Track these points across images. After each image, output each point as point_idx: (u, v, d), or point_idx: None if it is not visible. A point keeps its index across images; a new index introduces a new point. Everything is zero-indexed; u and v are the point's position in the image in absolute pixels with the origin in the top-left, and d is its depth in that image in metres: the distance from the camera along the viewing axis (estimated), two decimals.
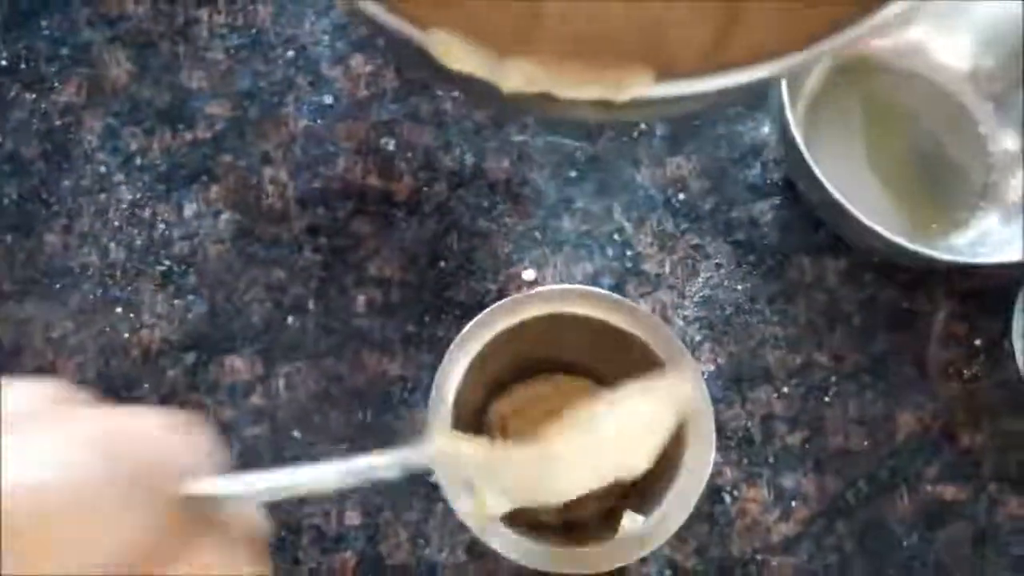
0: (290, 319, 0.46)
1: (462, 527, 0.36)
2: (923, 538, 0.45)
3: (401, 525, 0.44)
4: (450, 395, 0.37)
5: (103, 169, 0.48)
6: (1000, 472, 0.46)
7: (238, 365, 0.46)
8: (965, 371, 0.47)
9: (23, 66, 0.49)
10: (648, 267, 0.48)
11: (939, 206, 0.50)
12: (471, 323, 0.38)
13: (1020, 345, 0.45)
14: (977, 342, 0.48)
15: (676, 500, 0.36)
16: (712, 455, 0.37)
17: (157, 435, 0.20)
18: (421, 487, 0.44)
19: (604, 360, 0.42)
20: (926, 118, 0.51)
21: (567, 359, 0.43)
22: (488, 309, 0.38)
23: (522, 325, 0.39)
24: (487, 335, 0.38)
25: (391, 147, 0.49)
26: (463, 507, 0.35)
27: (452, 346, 0.38)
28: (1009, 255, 0.44)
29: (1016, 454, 0.46)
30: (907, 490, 0.46)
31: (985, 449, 0.46)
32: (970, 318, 0.48)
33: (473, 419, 0.42)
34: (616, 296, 0.38)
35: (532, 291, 0.39)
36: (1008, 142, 0.50)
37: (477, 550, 0.43)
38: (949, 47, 0.51)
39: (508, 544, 0.35)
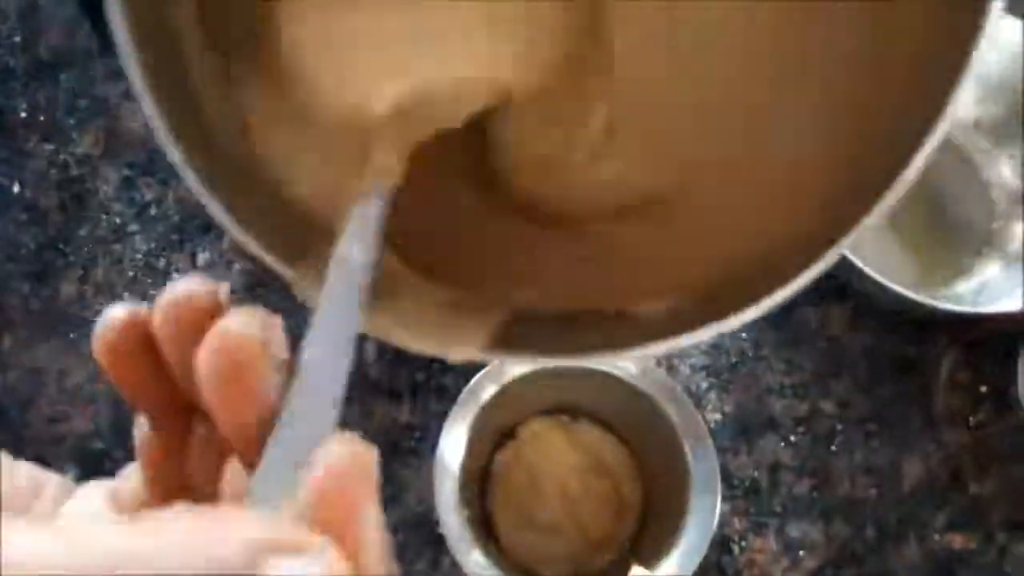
0: None
1: None
2: None
3: None
4: (455, 452, 0.38)
5: (118, 220, 0.49)
6: (1009, 520, 0.46)
7: None
8: (971, 418, 0.48)
9: (42, 117, 0.50)
10: None
11: (944, 252, 0.50)
12: (479, 374, 0.39)
13: None
14: (983, 389, 0.48)
15: (683, 554, 0.36)
16: (718, 508, 0.37)
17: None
18: (429, 539, 0.44)
19: (613, 410, 0.42)
20: (930, 165, 0.51)
21: (576, 407, 0.44)
22: (496, 360, 0.39)
23: (528, 376, 0.39)
24: (494, 387, 0.38)
25: None
26: (471, 560, 0.35)
27: (460, 397, 0.38)
28: (1010, 304, 0.44)
29: None
30: (915, 538, 0.46)
31: (993, 497, 0.46)
32: (975, 365, 0.48)
33: (480, 471, 0.42)
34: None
35: None
36: (1010, 188, 0.51)
37: None
38: None
39: None
